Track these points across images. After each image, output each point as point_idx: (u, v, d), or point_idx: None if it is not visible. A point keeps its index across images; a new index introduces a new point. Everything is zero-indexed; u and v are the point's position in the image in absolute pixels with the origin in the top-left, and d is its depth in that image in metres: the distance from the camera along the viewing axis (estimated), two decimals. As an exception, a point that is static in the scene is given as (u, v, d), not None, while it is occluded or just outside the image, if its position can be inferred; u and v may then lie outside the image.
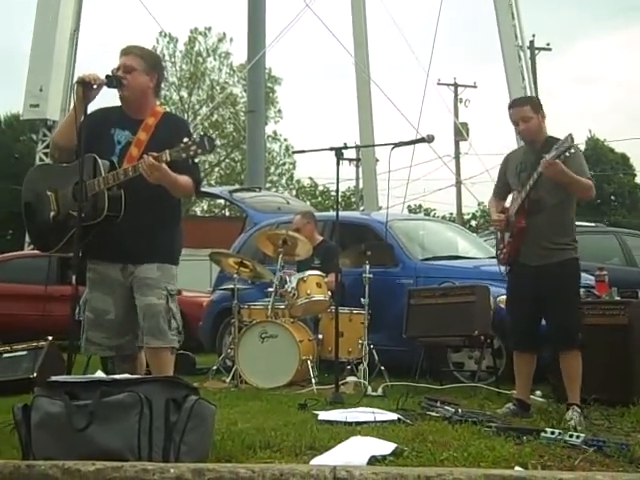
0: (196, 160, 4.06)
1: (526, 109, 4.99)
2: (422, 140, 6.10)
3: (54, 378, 3.35)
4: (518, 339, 5.10)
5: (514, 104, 5.12)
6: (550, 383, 5.52)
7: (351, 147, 6.21)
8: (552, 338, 4.93)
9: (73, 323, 4.12)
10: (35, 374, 6.26)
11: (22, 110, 20.52)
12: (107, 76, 4.18)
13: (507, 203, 5.27)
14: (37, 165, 5.06)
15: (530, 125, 4.96)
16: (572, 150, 4.66)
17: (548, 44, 30.76)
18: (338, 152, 5.82)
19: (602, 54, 65.79)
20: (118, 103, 4.37)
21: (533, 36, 28.93)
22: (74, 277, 4.03)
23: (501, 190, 5.29)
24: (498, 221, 5.15)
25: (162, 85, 4.54)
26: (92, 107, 4.25)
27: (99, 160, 4.12)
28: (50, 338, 6.74)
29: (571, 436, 3.78)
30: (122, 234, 4.15)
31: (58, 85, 19.41)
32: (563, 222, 4.93)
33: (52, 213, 4.26)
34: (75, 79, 4.26)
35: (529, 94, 19.22)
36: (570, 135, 4.71)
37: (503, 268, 5.21)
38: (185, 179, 4.17)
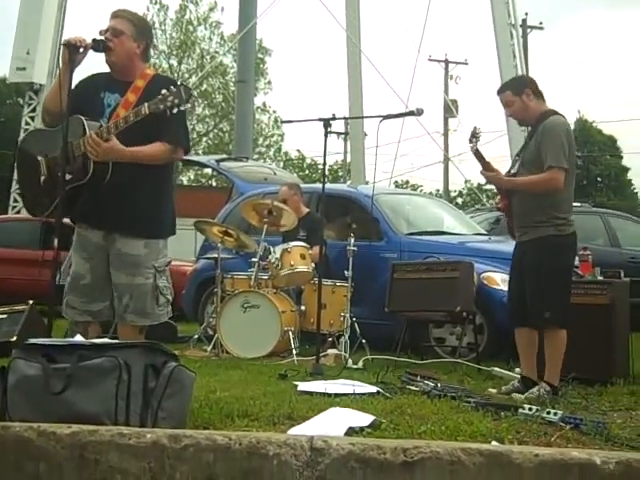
0: (174, 111, 3.96)
1: (506, 95, 5.03)
2: (411, 113, 6.12)
3: (32, 341, 3.31)
4: (511, 315, 5.13)
5: (498, 92, 5.12)
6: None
7: (339, 118, 6.35)
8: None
9: (53, 288, 4.08)
10: (15, 337, 6.20)
11: (8, 73, 20.31)
12: (94, 39, 4.13)
13: None
14: (29, 131, 5.04)
15: (514, 109, 5.02)
16: (476, 147, 4.94)
17: (540, 23, 30.80)
18: (326, 123, 5.83)
19: (594, 34, 65.75)
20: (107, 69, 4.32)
21: (526, 14, 28.94)
22: (56, 241, 4.01)
23: None
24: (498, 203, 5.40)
25: (151, 52, 4.47)
26: (79, 70, 4.19)
27: (85, 122, 4.08)
28: (31, 302, 6.70)
29: (548, 413, 3.79)
30: (107, 200, 4.12)
31: (45, 48, 19.20)
32: (540, 199, 4.83)
33: (42, 177, 4.25)
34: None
35: (520, 73, 19.18)
36: (474, 128, 5.00)
37: None
38: (152, 148, 4.09)
